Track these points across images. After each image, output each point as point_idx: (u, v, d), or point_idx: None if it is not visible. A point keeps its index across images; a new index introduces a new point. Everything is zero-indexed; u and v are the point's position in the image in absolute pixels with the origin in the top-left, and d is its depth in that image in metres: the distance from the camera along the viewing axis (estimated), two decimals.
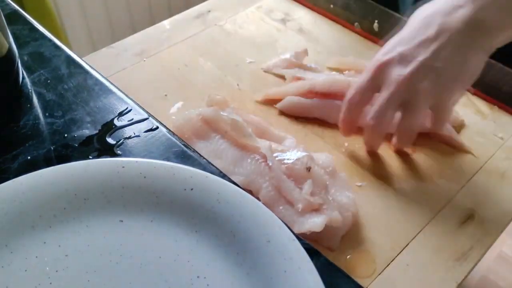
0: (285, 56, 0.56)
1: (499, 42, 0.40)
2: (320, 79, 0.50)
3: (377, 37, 0.60)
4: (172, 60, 0.57)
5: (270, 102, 0.51)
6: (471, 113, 0.52)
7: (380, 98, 0.42)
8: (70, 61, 0.44)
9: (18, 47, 0.42)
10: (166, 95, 0.52)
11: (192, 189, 0.31)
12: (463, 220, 0.42)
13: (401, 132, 0.44)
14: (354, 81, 0.46)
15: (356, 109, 0.45)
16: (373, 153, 0.47)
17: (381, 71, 0.41)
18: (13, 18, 0.48)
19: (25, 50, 0.45)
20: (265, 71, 0.55)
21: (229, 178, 0.34)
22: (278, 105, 0.50)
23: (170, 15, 0.65)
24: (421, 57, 0.40)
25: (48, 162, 0.35)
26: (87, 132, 0.37)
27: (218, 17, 0.64)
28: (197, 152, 0.36)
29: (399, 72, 0.40)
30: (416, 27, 0.41)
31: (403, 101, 0.41)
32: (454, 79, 0.41)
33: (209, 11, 0.65)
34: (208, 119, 0.44)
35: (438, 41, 0.39)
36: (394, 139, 0.47)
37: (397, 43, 0.42)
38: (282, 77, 0.55)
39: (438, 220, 0.41)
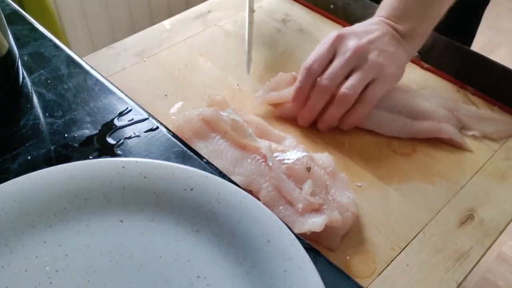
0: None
1: (416, 45, 0.51)
2: None
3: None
4: (172, 60, 0.57)
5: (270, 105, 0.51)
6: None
7: (335, 62, 0.47)
8: (70, 61, 0.44)
9: (18, 47, 0.42)
10: (166, 95, 0.52)
11: (192, 189, 0.31)
12: (463, 220, 0.42)
13: (341, 95, 0.46)
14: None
15: (312, 77, 0.48)
16: (373, 153, 0.47)
17: (339, 40, 0.48)
18: (13, 18, 0.48)
19: (25, 50, 0.45)
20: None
21: (229, 178, 0.34)
22: (278, 111, 0.50)
23: (170, 15, 0.65)
24: (370, 36, 0.48)
25: (48, 162, 0.35)
26: (87, 132, 0.37)
27: (218, 18, 0.64)
28: (197, 152, 0.36)
29: (354, 42, 0.47)
30: (365, 23, 0.52)
31: (353, 67, 0.47)
32: (392, 62, 0.48)
33: (209, 12, 0.65)
34: (208, 119, 0.44)
35: (379, 31, 0.49)
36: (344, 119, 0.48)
37: (350, 28, 0.50)
38: None
39: (438, 221, 0.41)
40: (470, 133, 0.49)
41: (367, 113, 0.48)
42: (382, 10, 0.51)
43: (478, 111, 0.51)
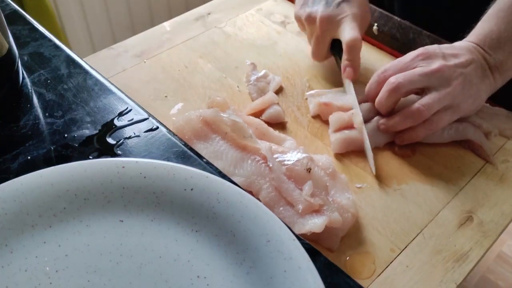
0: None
1: (502, 80, 0.48)
2: None
3: (377, 40, 0.60)
4: (172, 61, 0.57)
5: (258, 114, 0.50)
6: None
7: (416, 69, 0.46)
8: (70, 61, 0.44)
9: (18, 47, 0.42)
10: (166, 96, 0.52)
11: (192, 189, 0.31)
12: (462, 221, 0.42)
13: (415, 110, 0.45)
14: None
15: (385, 78, 0.47)
16: (373, 155, 0.47)
17: (424, 56, 0.46)
18: (13, 18, 0.48)
19: (25, 50, 0.45)
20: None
21: (229, 179, 0.34)
22: (263, 116, 0.49)
23: (170, 17, 0.65)
24: (457, 61, 0.46)
25: (48, 162, 0.35)
26: (87, 132, 0.37)
27: (218, 19, 0.64)
28: (197, 152, 0.36)
29: (440, 62, 0.45)
30: (454, 45, 0.49)
31: (431, 85, 0.45)
32: (470, 95, 0.46)
33: (209, 14, 0.65)
34: (209, 120, 0.44)
35: (468, 57, 0.46)
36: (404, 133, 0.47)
37: (437, 47, 0.48)
38: None
39: (438, 222, 0.41)
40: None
41: (424, 135, 0.46)
42: (474, 35, 0.48)
43: (493, 108, 0.51)
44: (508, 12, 0.46)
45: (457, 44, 0.48)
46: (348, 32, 0.51)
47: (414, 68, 0.46)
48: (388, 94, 0.46)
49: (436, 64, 0.45)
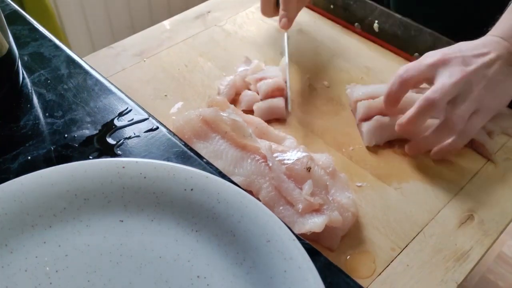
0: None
1: None
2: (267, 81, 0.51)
3: (378, 37, 0.60)
4: (172, 60, 0.57)
5: (250, 112, 0.50)
6: None
7: (443, 80, 0.44)
8: (70, 61, 0.44)
9: (18, 47, 0.42)
10: (166, 95, 0.52)
11: (192, 189, 0.31)
12: (463, 220, 0.42)
13: (449, 122, 0.44)
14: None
15: (403, 83, 0.46)
16: (373, 153, 0.47)
17: (442, 63, 0.45)
18: (13, 18, 0.48)
19: (25, 50, 0.45)
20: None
21: (229, 179, 0.34)
22: (257, 106, 0.50)
23: (170, 15, 0.65)
24: (479, 62, 0.45)
25: (48, 162, 0.35)
26: (87, 132, 0.37)
27: (218, 18, 0.64)
28: (197, 152, 0.36)
29: (459, 69, 0.44)
30: (476, 43, 0.47)
31: (457, 94, 0.44)
32: (496, 94, 0.45)
33: (209, 12, 0.65)
34: (208, 120, 0.44)
35: (492, 55, 0.45)
36: (437, 148, 0.46)
37: (457, 49, 0.46)
38: None
39: (438, 221, 0.41)
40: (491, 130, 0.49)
41: (463, 144, 0.46)
42: (499, 28, 0.47)
43: None
44: None
45: (481, 40, 0.47)
46: None
47: (434, 75, 0.45)
48: (422, 110, 0.44)
49: (456, 73, 0.43)
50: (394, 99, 0.47)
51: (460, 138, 0.45)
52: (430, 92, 0.43)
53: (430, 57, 0.46)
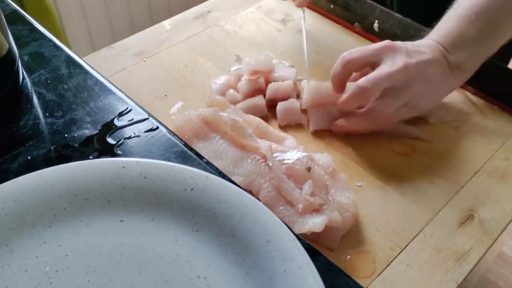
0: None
1: (462, 79, 0.49)
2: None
3: (378, 37, 0.60)
4: (172, 60, 0.57)
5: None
6: (471, 113, 0.52)
7: (382, 68, 0.45)
8: (70, 61, 0.44)
9: (18, 47, 0.42)
10: (166, 95, 0.52)
11: (192, 189, 0.31)
12: (463, 220, 0.42)
13: (367, 113, 0.46)
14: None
15: (347, 66, 0.47)
16: (373, 153, 0.47)
17: (390, 50, 0.46)
18: (13, 18, 0.48)
19: (25, 50, 0.45)
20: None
21: (229, 179, 0.34)
22: (238, 106, 0.50)
23: (170, 15, 0.65)
24: (420, 58, 0.46)
25: (48, 162, 0.35)
26: (87, 132, 0.37)
27: (218, 18, 0.64)
28: (197, 152, 0.36)
29: (404, 59, 0.45)
30: (416, 42, 0.49)
31: (393, 85, 0.45)
32: (428, 94, 0.47)
33: (209, 12, 0.65)
34: (208, 120, 0.44)
35: (430, 56, 0.46)
36: (344, 121, 0.48)
37: (402, 43, 0.48)
38: None
39: (438, 221, 0.41)
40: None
41: (366, 129, 0.48)
42: (436, 33, 0.48)
43: None
44: (471, 11, 0.47)
45: (420, 41, 0.48)
46: None
47: (379, 60, 0.46)
48: (355, 96, 0.46)
49: (400, 62, 0.45)
50: (338, 81, 0.48)
51: (368, 124, 0.47)
52: (365, 80, 0.45)
53: (376, 44, 0.47)
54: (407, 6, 0.68)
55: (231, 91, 0.52)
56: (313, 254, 0.29)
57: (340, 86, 0.48)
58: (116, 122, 0.38)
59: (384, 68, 0.45)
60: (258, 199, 0.38)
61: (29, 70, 0.43)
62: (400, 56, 0.45)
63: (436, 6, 0.63)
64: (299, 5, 0.57)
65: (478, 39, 0.46)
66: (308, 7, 0.66)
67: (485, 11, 0.46)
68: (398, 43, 0.47)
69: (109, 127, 0.38)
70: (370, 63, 0.47)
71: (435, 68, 0.46)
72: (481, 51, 0.47)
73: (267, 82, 0.52)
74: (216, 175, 0.32)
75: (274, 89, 0.51)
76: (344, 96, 0.46)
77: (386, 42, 0.47)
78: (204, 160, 0.36)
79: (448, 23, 0.48)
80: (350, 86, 0.47)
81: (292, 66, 0.55)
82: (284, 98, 0.50)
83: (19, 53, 0.42)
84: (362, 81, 0.45)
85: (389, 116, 0.46)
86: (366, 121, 0.47)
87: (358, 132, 0.48)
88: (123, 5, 1.28)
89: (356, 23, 0.62)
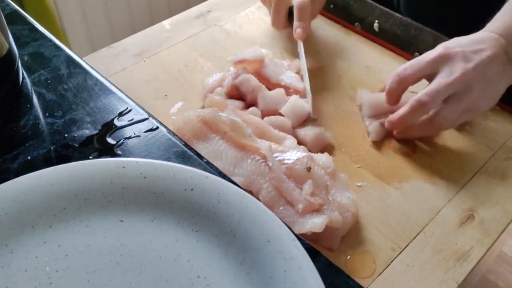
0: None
1: None
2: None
3: (378, 37, 0.60)
4: (172, 60, 0.57)
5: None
6: None
7: (439, 80, 0.44)
8: (70, 61, 0.44)
9: (18, 47, 0.42)
10: (166, 95, 0.52)
11: (192, 189, 0.31)
12: (463, 220, 0.42)
13: (432, 120, 0.45)
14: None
15: (401, 83, 0.46)
16: (373, 153, 0.47)
17: (444, 59, 0.45)
18: (13, 18, 0.48)
19: (25, 50, 0.45)
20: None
21: (229, 179, 0.34)
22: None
23: (170, 15, 0.65)
24: (478, 58, 0.44)
25: (48, 162, 0.35)
26: (87, 132, 0.37)
27: (218, 17, 0.64)
28: (197, 152, 0.36)
29: (461, 66, 0.44)
30: (473, 37, 0.47)
31: (454, 92, 0.44)
32: (488, 95, 0.46)
33: (209, 11, 0.65)
34: (208, 120, 0.44)
35: (489, 52, 0.45)
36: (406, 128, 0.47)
37: (457, 43, 0.46)
38: None
39: (438, 220, 0.41)
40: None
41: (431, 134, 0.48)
42: (496, 25, 0.47)
43: None
44: None
45: (478, 36, 0.46)
46: None
47: (436, 71, 0.45)
48: (414, 111, 0.45)
49: (458, 69, 0.44)
50: (393, 97, 0.47)
51: (432, 131, 0.47)
52: (424, 94, 0.44)
53: (431, 52, 0.46)
54: (415, 6, 0.68)
55: (219, 88, 0.51)
56: (313, 254, 0.29)
57: (396, 100, 0.48)
58: (116, 122, 0.38)
59: (442, 79, 0.44)
60: (258, 199, 0.38)
61: (29, 70, 0.43)
62: (458, 62, 0.44)
63: (444, 6, 0.63)
64: (298, 38, 0.55)
65: None
66: None
67: None
68: (453, 46, 0.45)
69: (109, 127, 0.38)
70: (426, 76, 0.46)
71: (495, 66, 0.45)
72: None
73: (259, 76, 0.51)
74: (216, 175, 0.32)
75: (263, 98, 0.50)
76: (403, 110, 0.46)
77: (441, 50, 0.45)
78: (204, 160, 0.36)
79: (507, 15, 0.47)
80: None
81: (297, 73, 0.54)
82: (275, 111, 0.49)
83: (19, 53, 0.42)
84: (421, 95, 0.44)
85: (454, 122, 0.46)
86: (430, 128, 0.46)
87: (419, 136, 0.48)
88: (123, 5, 1.28)
89: (356, 23, 0.62)
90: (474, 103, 0.45)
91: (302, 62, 0.54)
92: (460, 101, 0.44)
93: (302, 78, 0.53)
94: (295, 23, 0.55)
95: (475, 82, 0.44)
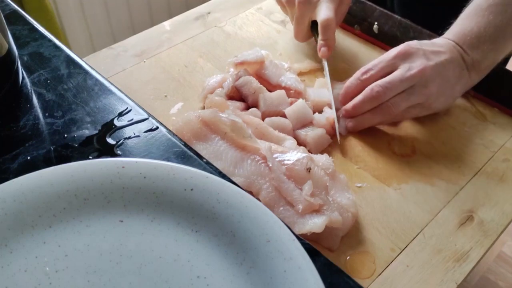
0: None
1: (477, 78, 0.49)
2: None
3: (377, 39, 0.60)
4: (172, 61, 0.57)
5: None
6: (471, 115, 0.52)
7: (396, 73, 0.46)
8: (70, 61, 0.44)
9: (18, 47, 0.42)
10: (166, 96, 0.52)
11: (192, 189, 0.31)
12: (463, 221, 0.42)
13: (381, 106, 0.46)
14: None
15: (363, 80, 0.47)
16: (373, 154, 0.47)
17: (406, 55, 0.46)
18: (13, 18, 0.48)
19: (25, 50, 0.45)
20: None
21: (229, 179, 0.34)
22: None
23: (170, 16, 0.65)
24: (438, 59, 0.46)
25: (48, 162, 0.35)
26: (87, 132, 0.37)
27: (218, 19, 0.64)
28: (197, 152, 0.36)
29: (421, 62, 0.45)
30: (433, 41, 0.49)
31: (407, 87, 0.46)
32: (443, 95, 0.47)
33: (209, 13, 0.65)
34: (208, 121, 0.44)
35: (447, 56, 0.47)
36: (353, 120, 0.48)
37: (418, 43, 0.48)
38: None
39: (438, 221, 0.41)
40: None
41: (380, 123, 0.48)
42: (453, 32, 0.49)
43: None
44: (487, 11, 0.47)
45: (438, 41, 0.48)
46: (323, 12, 0.53)
47: (396, 68, 0.46)
48: (367, 100, 0.46)
49: (417, 65, 0.45)
50: (350, 93, 0.49)
51: (380, 118, 0.47)
52: (377, 84, 0.45)
53: (393, 50, 0.48)
54: (407, 7, 0.68)
55: (219, 89, 0.51)
56: (313, 254, 0.29)
57: (350, 99, 0.48)
58: (116, 122, 0.38)
59: (399, 72, 0.45)
60: (259, 199, 0.38)
61: (29, 70, 0.43)
62: (418, 59, 0.46)
63: (436, 7, 0.63)
64: (323, 57, 0.54)
65: (495, 39, 0.47)
66: None
67: (502, 10, 0.46)
68: (414, 45, 0.47)
69: (109, 127, 0.38)
70: (387, 73, 0.47)
71: (452, 70, 0.46)
72: (498, 51, 0.47)
73: (259, 78, 0.51)
74: (216, 175, 0.32)
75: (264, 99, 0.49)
76: (357, 98, 0.47)
77: (403, 47, 0.47)
78: (204, 160, 0.36)
79: (465, 22, 0.48)
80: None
81: (300, 79, 0.54)
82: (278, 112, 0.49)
83: (18, 53, 0.42)
84: (375, 85, 0.45)
85: (403, 112, 0.47)
86: (379, 114, 0.47)
87: (368, 126, 0.48)
88: (123, 5, 1.28)
89: (355, 25, 0.62)
90: (428, 100, 0.46)
91: (327, 80, 0.52)
92: (413, 94, 0.46)
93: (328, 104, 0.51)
94: (319, 41, 0.54)
95: (431, 80, 0.45)
